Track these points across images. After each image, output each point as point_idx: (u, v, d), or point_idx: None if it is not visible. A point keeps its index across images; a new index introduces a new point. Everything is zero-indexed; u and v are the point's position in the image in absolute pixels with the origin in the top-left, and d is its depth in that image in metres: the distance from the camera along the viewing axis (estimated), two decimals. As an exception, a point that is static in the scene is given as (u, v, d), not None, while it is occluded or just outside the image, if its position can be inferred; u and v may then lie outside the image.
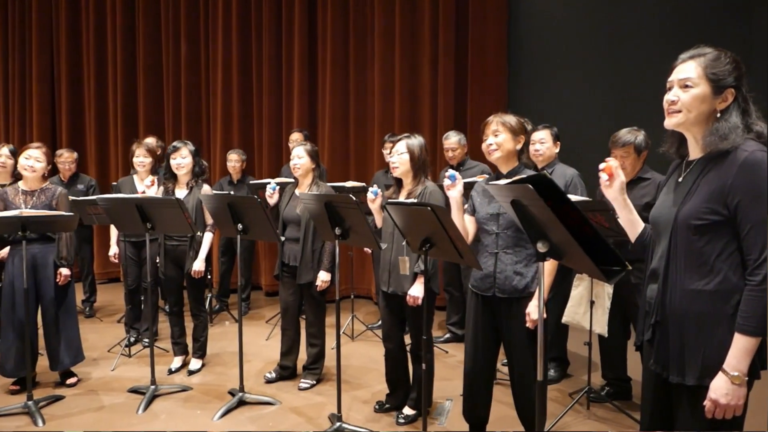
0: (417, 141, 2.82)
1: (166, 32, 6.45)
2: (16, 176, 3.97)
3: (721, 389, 1.38)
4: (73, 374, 3.51)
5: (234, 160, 5.07)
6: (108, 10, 6.71)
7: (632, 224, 1.68)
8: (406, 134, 2.88)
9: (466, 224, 2.39)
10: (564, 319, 3.08)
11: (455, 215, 2.30)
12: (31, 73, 7.12)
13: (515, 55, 5.18)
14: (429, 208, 2.00)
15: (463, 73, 5.24)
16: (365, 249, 4.67)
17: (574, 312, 2.98)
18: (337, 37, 5.62)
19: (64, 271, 3.36)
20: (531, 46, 5.16)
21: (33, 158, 3.29)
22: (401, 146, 2.81)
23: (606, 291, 2.85)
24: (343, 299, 5.29)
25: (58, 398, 3.27)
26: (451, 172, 2.31)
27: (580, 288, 2.97)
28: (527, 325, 2.21)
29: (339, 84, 5.65)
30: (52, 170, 5.07)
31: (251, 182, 4.64)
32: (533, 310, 2.19)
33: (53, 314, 3.35)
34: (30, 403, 3.03)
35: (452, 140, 4.19)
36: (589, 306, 2.90)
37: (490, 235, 2.32)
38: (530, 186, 1.30)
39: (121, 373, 3.68)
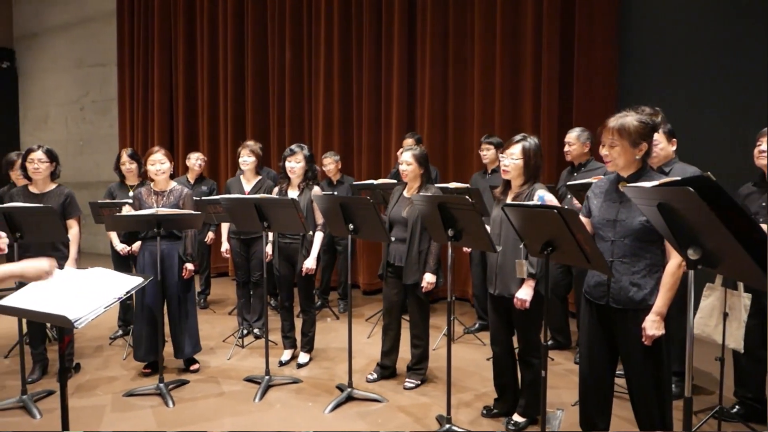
0: (533, 144, 2.72)
1: (272, 42, 6.80)
2: (143, 176, 4.37)
3: None
4: (195, 361, 3.79)
5: (328, 163, 5.20)
6: (220, 23, 7.21)
7: None
8: (522, 135, 2.76)
9: None
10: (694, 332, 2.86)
11: None
12: (153, 83, 7.83)
13: (626, 49, 4.89)
14: (555, 211, 1.94)
15: (569, 71, 5.03)
16: (464, 249, 4.63)
17: (704, 324, 2.75)
18: (436, 38, 5.62)
19: (189, 266, 3.64)
20: (644, 40, 4.84)
21: (158, 162, 3.57)
22: (516, 150, 2.71)
23: (743, 302, 2.61)
24: (441, 300, 5.34)
25: (184, 383, 3.54)
26: (539, 194, 2.20)
27: (711, 298, 2.74)
28: (644, 341, 2.07)
29: (437, 85, 5.65)
30: (183, 170, 5.52)
31: (354, 183, 4.75)
32: (649, 326, 2.05)
33: (177, 306, 3.63)
34: (161, 385, 3.31)
35: (571, 135, 4.00)
36: (721, 318, 2.67)
37: (605, 242, 2.18)
38: (691, 189, 1.21)
39: (236, 363, 3.92)
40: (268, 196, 3.58)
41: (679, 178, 1.42)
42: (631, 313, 2.12)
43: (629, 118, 2.08)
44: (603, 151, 2.15)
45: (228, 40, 7.07)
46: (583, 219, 2.29)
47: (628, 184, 1.70)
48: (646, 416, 2.18)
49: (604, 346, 2.25)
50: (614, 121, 2.10)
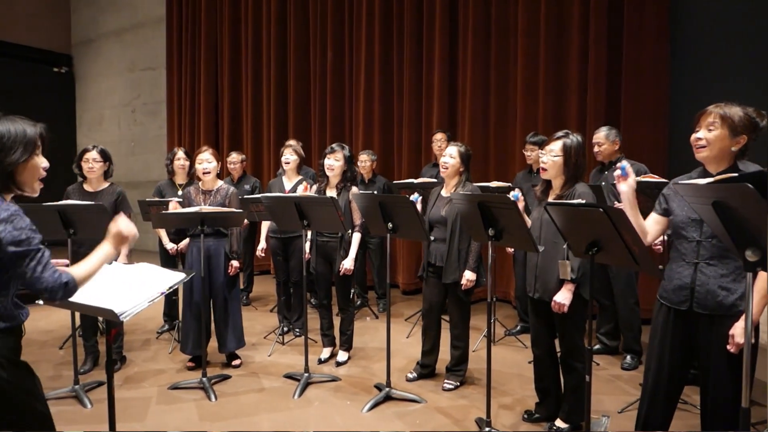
0: (575, 141, 2.61)
1: (314, 43, 6.88)
2: (191, 176, 4.49)
3: None
4: (237, 356, 3.86)
5: (363, 160, 5.18)
6: (263, 27, 7.35)
7: None
8: (564, 131, 2.66)
9: (645, 224, 2.16)
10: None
11: (627, 213, 2.03)
12: (200, 86, 8.07)
13: (679, 39, 4.67)
14: (601, 210, 1.86)
15: (617, 64, 4.84)
16: (508, 249, 4.54)
17: (762, 331, 2.59)
18: (477, 34, 5.54)
19: (235, 263, 3.72)
20: (699, 33, 4.61)
21: (205, 161, 3.67)
22: (557, 146, 2.62)
23: (807, 309, 2.44)
24: (482, 301, 5.25)
25: (226, 377, 3.61)
26: (623, 163, 2.11)
27: (771, 304, 2.57)
28: (730, 348, 1.93)
29: (479, 82, 5.57)
30: (225, 172, 5.67)
31: (395, 182, 4.73)
32: (738, 332, 1.90)
33: (222, 301, 3.71)
34: (204, 379, 3.39)
35: (599, 135, 3.89)
36: (783, 325, 2.50)
37: (689, 243, 2.05)
38: (750, 185, 1.13)
39: (276, 359, 3.97)
40: (308, 194, 3.60)
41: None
42: (718, 318, 1.99)
43: (735, 108, 1.98)
44: (696, 135, 2.01)
45: (271, 43, 7.20)
46: (655, 216, 2.19)
47: (681, 181, 1.60)
48: (717, 426, 2.05)
49: (679, 355, 2.13)
50: (717, 107, 2.00)
